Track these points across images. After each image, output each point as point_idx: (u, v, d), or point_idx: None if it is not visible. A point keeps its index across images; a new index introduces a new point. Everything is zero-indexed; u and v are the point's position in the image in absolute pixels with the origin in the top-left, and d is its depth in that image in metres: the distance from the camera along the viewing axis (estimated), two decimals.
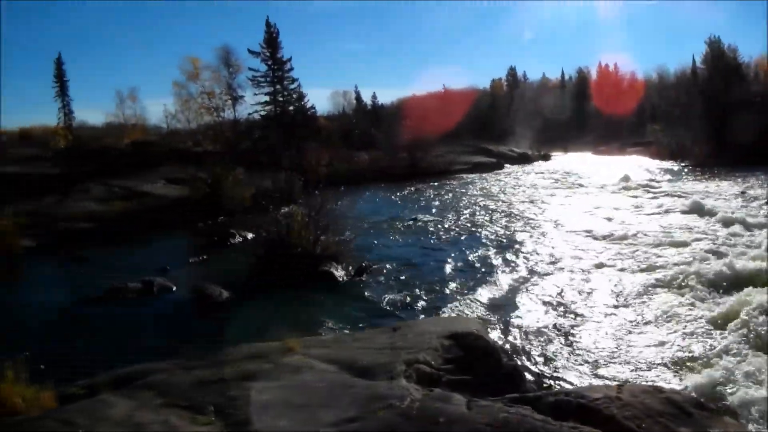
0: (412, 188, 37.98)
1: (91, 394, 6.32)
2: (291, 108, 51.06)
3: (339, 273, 15.32)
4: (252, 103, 50.29)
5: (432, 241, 20.42)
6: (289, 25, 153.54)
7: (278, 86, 50.27)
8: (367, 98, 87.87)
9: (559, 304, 13.13)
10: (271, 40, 49.64)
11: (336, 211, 18.22)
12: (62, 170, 34.14)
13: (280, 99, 50.54)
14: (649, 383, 8.45)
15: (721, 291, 13.28)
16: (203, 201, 27.34)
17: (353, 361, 6.86)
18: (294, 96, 51.22)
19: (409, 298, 13.77)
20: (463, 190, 36.78)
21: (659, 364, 9.80)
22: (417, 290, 14.39)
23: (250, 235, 20.67)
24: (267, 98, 50.06)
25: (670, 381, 9.05)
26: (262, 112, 50.39)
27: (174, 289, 15.20)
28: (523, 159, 60.86)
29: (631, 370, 9.62)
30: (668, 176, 42.86)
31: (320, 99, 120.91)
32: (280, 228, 16.08)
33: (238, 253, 19.34)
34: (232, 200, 26.89)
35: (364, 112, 78.49)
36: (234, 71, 49.17)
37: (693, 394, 7.91)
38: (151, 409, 5.69)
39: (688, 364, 9.75)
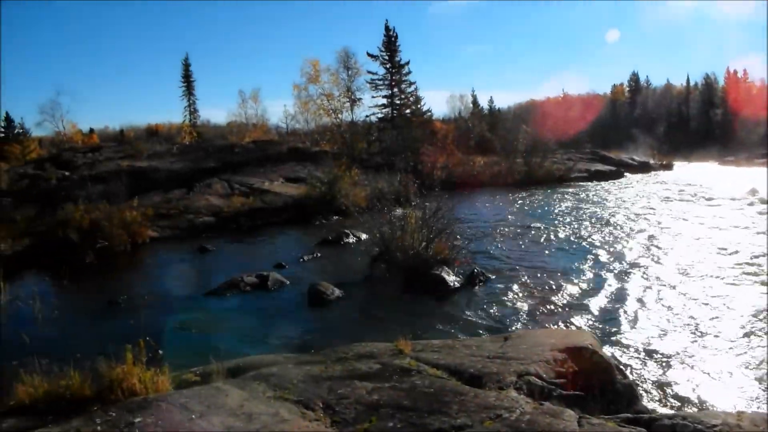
0: (528, 194, 37.36)
1: (205, 381, 6.48)
2: (408, 111, 51.38)
3: (450, 278, 15.18)
4: (369, 106, 51.15)
5: (546, 250, 19.96)
6: (409, 27, 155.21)
7: (395, 89, 50.84)
8: (483, 102, 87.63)
9: (680, 322, 12.50)
10: (390, 43, 50.20)
11: (450, 214, 18.09)
12: (186, 166, 35.62)
13: (397, 102, 51.04)
14: None
15: None
16: (320, 200, 27.86)
17: (463, 367, 6.72)
18: (411, 99, 51.66)
19: (520, 307, 13.47)
20: (580, 199, 35.87)
21: None
22: (529, 299, 14.07)
23: (363, 236, 20.88)
24: (384, 101, 50.79)
25: None
26: (379, 115, 51.03)
27: (288, 284, 15.53)
28: (644, 168, 58.80)
29: (755, 399, 9.05)
30: None
31: (437, 102, 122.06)
32: (394, 230, 16.13)
33: (352, 252, 19.61)
34: (347, 200, 27.26)
35: (481, 116, 78.18)
36: (353, 74, 50.17)
37: None
38: (262, 401, 5.78)
39: None
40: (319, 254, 19.32)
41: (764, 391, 9.23)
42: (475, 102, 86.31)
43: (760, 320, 12.48)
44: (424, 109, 53.20)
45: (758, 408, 8.48)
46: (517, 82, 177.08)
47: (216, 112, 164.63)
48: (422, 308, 13.62)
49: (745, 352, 10.83)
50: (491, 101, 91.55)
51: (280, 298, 14.61)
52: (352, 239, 21.47)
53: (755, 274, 16.26)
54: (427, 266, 15.24)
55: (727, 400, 8.90)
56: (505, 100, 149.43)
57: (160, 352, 7.23)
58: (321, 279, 15.00)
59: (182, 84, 67.31)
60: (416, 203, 19.54)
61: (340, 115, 50.40)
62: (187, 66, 67.57)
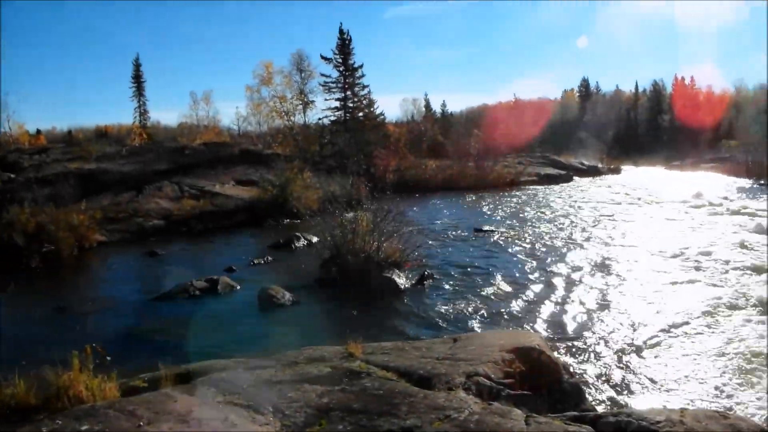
0: (479, 198, 37.73)
1: (154, 388, 6.45)
2: (360, 114, 51.47)
3: (401, 280, 15.30)
4: (322, 108, 51.12)
5: (495, 252, 20.24)
6: (363, 30, 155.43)
7: (349, 92, 50.80)
8: (436, 106, 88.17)
9: (625, 321, 12.85)
10: (344, 46, 50.19)
11: (401, 217, 18.21)
12: (136, 168, 35.10)
13: (350, 105, 51.02)
14: (714, 408, 8.22)
15: None
16: (271, 203, 27.75)
17: (412, 369, 6.81)
18: (364, 102, 51.64)
19: (470, 309, 13.65)
20: (530, 202, 36.40)
21: (726, 390, 9.50)
22: (479, 301, 14.27)
23: (315, 239, 20.85)
24: (337, 104, 50.67)
25: (735, 408, 8.78)
26: (332, 118, 50.98)
27: (238, 288, 15.46)
28: (593, 172, 59.91)
29: (696, 395, 9.35)
30: (743, 194, 41.48)
31: (390, 105, 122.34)
32: (345, 233, 16.18)
33: (303, 256, 19.58)
34: (299, 203, 27.22)
35: (433, 120, 78.66)
36: (306, 76, 50.19)
37: (760, 422, 7.70)
38: (211, 406, 5.77)
39: (756, 391, 9.44)
40: (270, 258, 19.26)
41: (706, 388, 9.56)
42: (427, 105, 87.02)
43: (703, 319, 12.93)
44: (377, 112, 53.30)
45: (700, 404, 8.79)
46: (471, 86, 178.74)
47: (167, 113, 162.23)
48: (373, 311, 13.71)
49: (689, 351, 11.19)
50: (444, 105, 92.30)
51: (230, 303, 14.52)
52: (303, 242, 21.43)
53: (700, 274, 16.79)
54: (378, 269, 15.31)
55: (671, 398, 9.21)
56: (458, 104, 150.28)
57: (108, 358, 7.15)
58: (272, 283, 14.93)
59: (132, 84, 66.59)
60: (368, 206, 19.56)
61: (292, 118, 50.40)
62: (137, 66, 66.84)
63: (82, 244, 21.22)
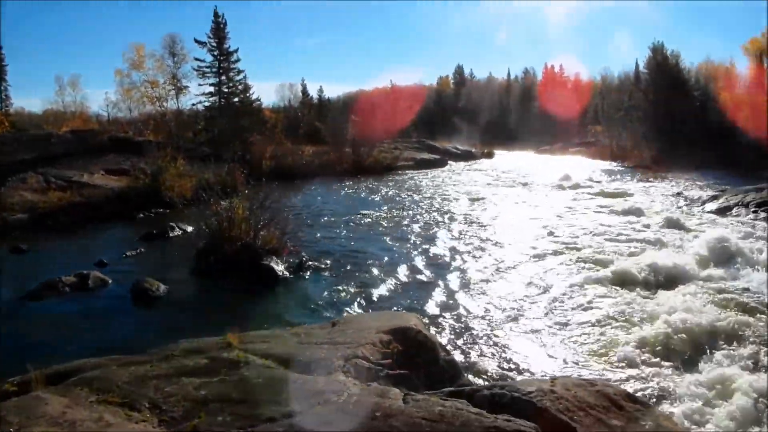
0: (356, 183, 38.00)
1: (24, 391, 6.19)
2: (236, 99, 50.61)
3: (279, 267, 15.27)
4: (196, 94, 49.81)
5: (372, 237, 20.55)
6: (239, 15, 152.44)
7: (223, 77, 49.78)
8: (313, 92, 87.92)
9: (498, 299, 13.45)
10: (218, 30, 49.09)
11: (278, 204, 18.14)
12: None
13: (225, 90, 50.05)
14: (582, 377, 8.73)
15: (655, 289, 13.86)
16: (144, 192, 26.91)
17: (291, 356, 6.80)
18: (239, 87, 50.78)
19: (349, 293, 13.85)
20: (406, 186, 37.01)
21: (593, 359, 10.16)
22: (357, 285, 14.50)
23: (190, 228, 20.44)
24: (212, 89, 49.56)
25: (602, 375, 9.36)
26: (206, 103, 49.87)
27: (110, 282, 14.87)
28: (467, 156, 61.59)
29: (567, 364, 9.96)
30: (608, 176, 43.95)
31: (267, 91, 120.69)
32: (221, 221, 15.96)
33: (178, 246, 19.14)
34: (173, 192, 26.51)
35: (311, 106, 78.38)
36: (179, 61, 48.69)
37: (624, 387, 8.21)
38: (85, 407, 5.58)
39: (621, 358, 10.10)
40: (143, 249, 18.70)
41: (575, 357, 10.19)
42: (304, 91, 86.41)
43: (571, 292, 13.74)
44: (253, 97, 52.57)
45: (570, 374, 9.30)
46: (348, 74, 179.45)
47: (31, 100, 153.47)
48: (252, 299, 13.66)
49: (559, 322, 11.86)
50: (321, 91, 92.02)
51: (102, 298, 13.97)
52: (178, 232, 20.90)
53: (566, 251, 17.72)
54: (255, 257, 15.22)
55: (542, 369, 9.73)
56: (336, 90, 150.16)
57: None
58: (146, 275, 14.50)
59: None
60: (244, 193, 19.34)
61: (165, 103, 48.77)
62: None
63: None
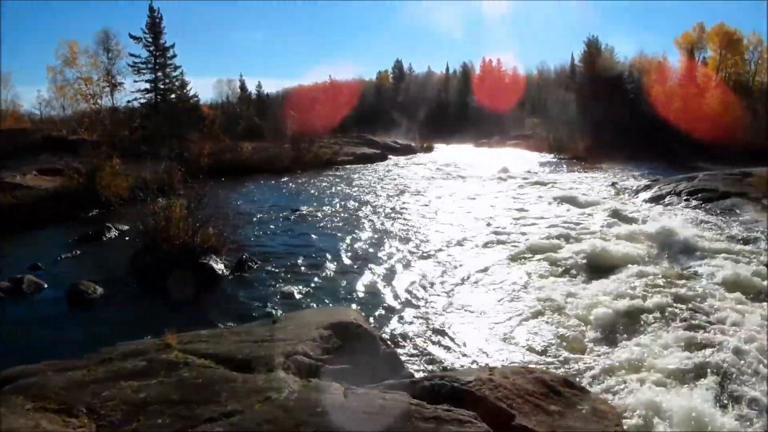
0: (296, 179, 37.85)
1: None
2: (173, 96, 49.81)
3: (219, 266, 15.20)
4: (132, 90, 48.77)
5: (313, 232, 20.56)
6: (174, 10, 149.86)
7: (160, 73, 48.91)
8: (252, 87, 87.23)
9: (438, 290, 13.75)
10: (154, 25, 48.19)
11: (217, 202, 18.02)
12: None
13: (162, 86, 49.21)
14: (520, 365, 8.95)
15: (591, 276, 14.38)
16: (78, 193, 26.29)
17: (231, 355, 6.84)
18: (176, 84, 49.98)
19: (290, 290, 13.86)
20: (347, 181, 37.03)
21: (532, 346, 10.45)
22: (298, 281, 14.55)
23: (126, 228, 20.12)
24: (147, 85, 48.62)
25: (541, 362, 9.63)
26: (142, 100, 48.91)
27: (46, 286, 14.53)
28: (407, 150, 62.03)
29: (506, 353, 10.26)
30: (545, 168, 44.92)
31: (204, 87, 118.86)
32: (158, 220, 15.76)
33: (115, 247, 18.81)
34: (109, 191, 25.97)
35: (249, 102, 77.69)
36: (114, 57, 47.54)
37: (561, 373, 8.45)
38: (20, 414, 5.50)
39: (558, 345, 10.39)
40: (79, 251, 18.29)
41: (513, 345, 10.49)
42: (243, 87, 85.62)
43: (510, 284, 14.11)
44: (191, 93, 51.80)
45: (509, 362, 9.62)
46: (286, 69, 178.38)
47: None
48: (191, 299, 13.48)
49: (498, 312, 12.19)
50: (259, 86, 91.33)
51: (38, 303, 13.64)
52: (115, 233, 20.49)
53: (504, 241, 18.12)
54: (194, 256, 15.11)
55: (482, 358, 9.99)
56: (275, 86, 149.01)
57: None
58: (82, 278, 14.27)
59: None
60: (182, 192, 19.12)
61: (99, 101, 47.64)
62: None
63: None
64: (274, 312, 12.02)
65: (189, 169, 29.38)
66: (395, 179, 38.37)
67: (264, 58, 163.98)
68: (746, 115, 53.14)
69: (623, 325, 11.11)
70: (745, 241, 17.85)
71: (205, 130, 47.51)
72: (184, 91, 50.86)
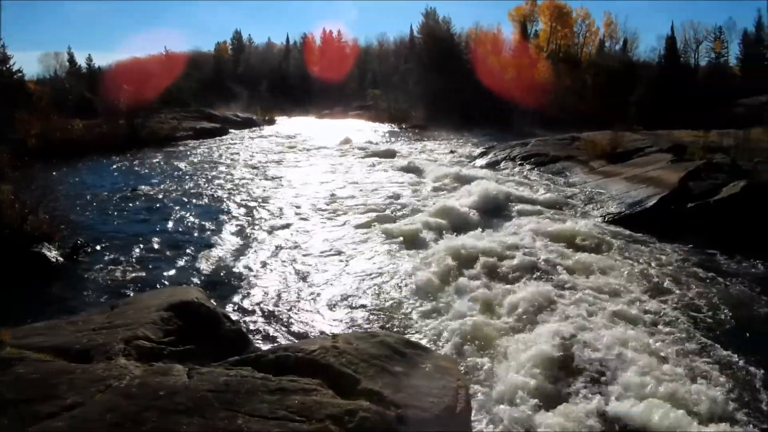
0: (133, 157, 36.52)
1: None
2: None
3: (52, 254, 14.66)
4: None
5: (152, 213, 20.20)
6: None
7: None
8: (82, 61, 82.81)
9: (283, 264, 14.14)
10: None
11: (48, 185, 17.33)
12: None
13: None
14: (364, 331, 9.45)
15: (430, 240, 15.44)
16: None
17: (69, 345, 6.70)
18: None
19: (130, 274, 13.75)
20: (187, 157, 36.27)
21: (374, 312, 11.11)
22: (138, 264, 14.43)
23: None
24: None
25: (384, 326, 10.22)
26: None
27: None
28: (248, 123, 61.33)
29: (350, 321, 10.83)
30: (387, 138, 46.14)
31: (29, 62, 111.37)
32: None
33: None
34: None
35: (79, 76, 73.71)
36: None
37: (404, 335, 9.03)
38: None
39: (401, 309, 11.08)
40: None
41: (360, 313, 11.09)
42: (72, 60, 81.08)
43: (353, 253, 14.82)
44: (14, 69, 48.68)
45: (349, 330, 10.11)
46: (119, 42, 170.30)
47: None
48: (24, 291, 12.90)
49: (342, 284, 12.78)
50: (90, 59, 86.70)
51: None
52: None
53: (351, 213, 18.84)
54: (25, 244, 14.53)
55: (328, 327, 10.48)
56: (107, 59, 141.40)
57: None
58: None
59: None
60: (8, 177, 18.16)
61: None
62: None
63: None
64: (113, 298, 11.84)
65: (16, 151, 27.86)
66: (236, 154, 37.99)
67: (94, 29, 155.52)
68: (575, 85, 56.74)
69: (463, 285, 11.96)
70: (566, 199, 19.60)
71: (32, 107, 44.85)
72: (7, 66, 47.76)
